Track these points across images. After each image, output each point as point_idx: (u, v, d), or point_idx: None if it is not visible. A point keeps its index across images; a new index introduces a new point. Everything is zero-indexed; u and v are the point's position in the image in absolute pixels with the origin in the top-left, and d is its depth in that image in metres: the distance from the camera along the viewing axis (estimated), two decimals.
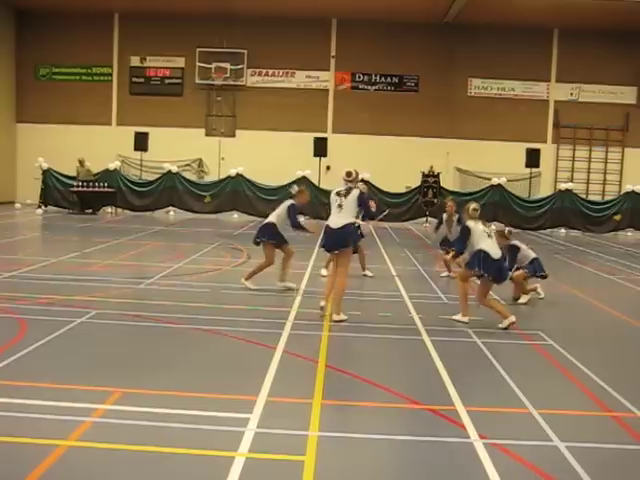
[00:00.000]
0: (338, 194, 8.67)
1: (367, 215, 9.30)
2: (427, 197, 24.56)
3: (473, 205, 8.97)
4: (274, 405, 5.29)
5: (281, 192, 24.35)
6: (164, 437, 4.62)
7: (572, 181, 26.94)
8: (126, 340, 7.37)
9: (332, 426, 4.91)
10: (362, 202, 8.72)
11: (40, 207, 24.16)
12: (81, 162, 24.50)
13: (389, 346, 7.54)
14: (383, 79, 28.92)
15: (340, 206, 8.57)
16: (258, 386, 5.67)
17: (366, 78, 28.96)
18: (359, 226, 8.81)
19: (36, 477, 3.97)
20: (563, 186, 25.03)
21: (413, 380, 6.40)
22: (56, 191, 24.43)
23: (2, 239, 16.33)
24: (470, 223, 8.72)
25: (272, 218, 10.23)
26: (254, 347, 7.07)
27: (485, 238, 8.52)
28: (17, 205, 26.57)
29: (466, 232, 8.66)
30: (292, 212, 10.03)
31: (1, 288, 9.62)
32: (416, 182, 24.84)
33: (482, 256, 8.32)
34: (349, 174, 8.73)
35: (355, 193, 8.60)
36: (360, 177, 9.22)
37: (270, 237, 10.17)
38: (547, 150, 27.77)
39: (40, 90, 29.09)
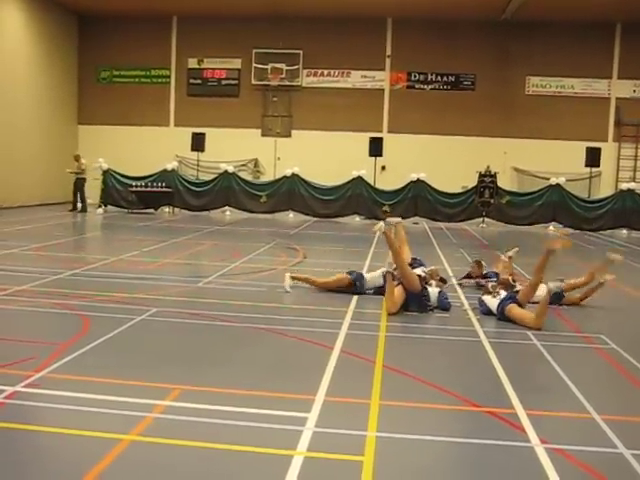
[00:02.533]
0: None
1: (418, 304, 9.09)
2: (483, 197, 24.23)
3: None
4: (332, 405, 5.29)
5: (336, 192, 24.46)
6: (222, 434, 4.66)
7: (634, 181, 26.23)
8: (185, 338, 7.47)
9: (390, 427, 4.88)
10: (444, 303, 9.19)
11: (100, 207, 24.72)
12: (76, 158, 24.95)
13: (446, 347, 7.46)
14: (439, 78, 28.69)
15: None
16: (316, 385, 5.68)
17: (422, 77, 28.77)
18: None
19: (101, 469, 4.07)
20: (625, 186, 24.35)
21: (471, 382, 6.32)
22: (115, 191, 24.93)
23: (64, 238, 16.77)
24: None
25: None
26: (311, 346, 7.09)
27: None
28: (79, 205, 27.17)
29: None
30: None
31: (64, 285, 9.89)
32: (472, 182, 24.52)
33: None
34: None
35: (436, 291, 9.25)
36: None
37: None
38: (608, 149, 27.10)
39: (101, 92, 29.81)
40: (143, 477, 4.08)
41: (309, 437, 4.63)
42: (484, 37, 27.94)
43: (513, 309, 8.40)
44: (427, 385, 5.94)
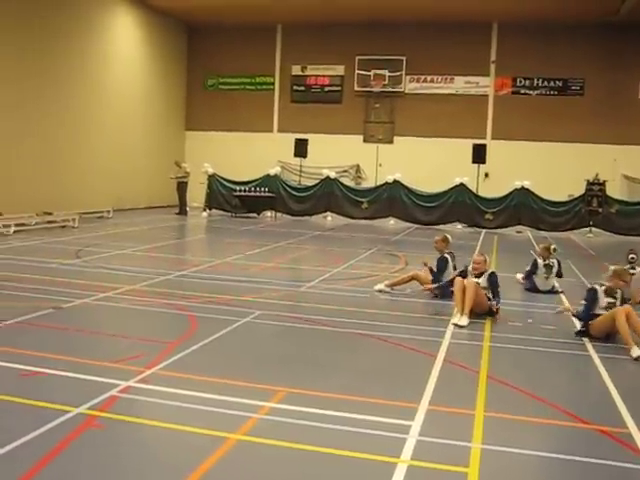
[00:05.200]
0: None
1: None
2: (591, 206, 23.36)
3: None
4: (436, 414, 5.24)
5: (438, 199, 24.19)
6: (327, 438, 4.69)
7: None
8: (289, 341, 7.58)
9: (495, 439, 4.78)
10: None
11: (205, 210, 25.42)
12: (177, 163, 25.82)
13: (553, 360, 7.23)
14: (546, 83, 27.91)
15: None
16: (419, 393, 5.64)
17: (528, 82, 28.07)
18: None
19: (210, 465, 4.20)
20: None
21: (580, 397, 6.12)
22: (220, 195, 25.55)
23: (172, 240, 17.34)
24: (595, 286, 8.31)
25: None
26: (414, 354, 7.04)
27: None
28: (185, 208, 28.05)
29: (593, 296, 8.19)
30: None
31: (172, 286, 10.23)
32: (579, 190, 23.71)
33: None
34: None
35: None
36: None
37: None
38: None
39: (207, 99, 30.71)
40: (247, 477, 4.16)
41: (413, 445, 4.60)
42: (593, 40, 26.95)
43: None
44: (533, 398, 5.78)
